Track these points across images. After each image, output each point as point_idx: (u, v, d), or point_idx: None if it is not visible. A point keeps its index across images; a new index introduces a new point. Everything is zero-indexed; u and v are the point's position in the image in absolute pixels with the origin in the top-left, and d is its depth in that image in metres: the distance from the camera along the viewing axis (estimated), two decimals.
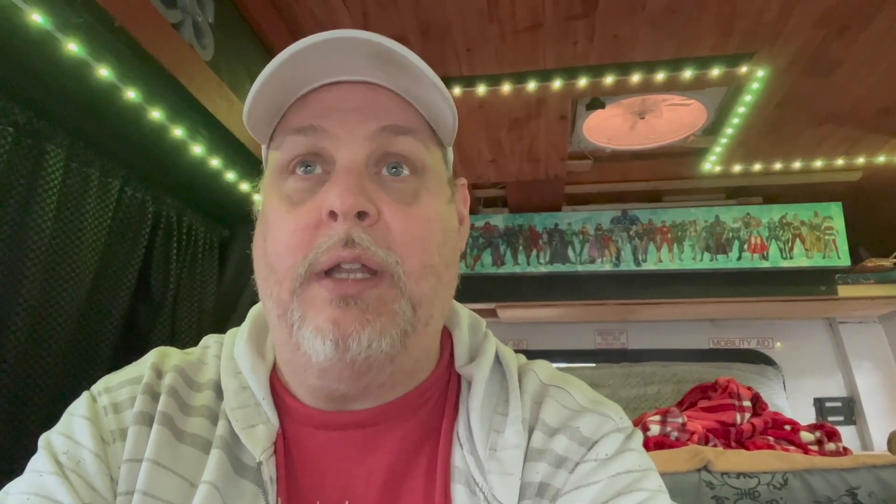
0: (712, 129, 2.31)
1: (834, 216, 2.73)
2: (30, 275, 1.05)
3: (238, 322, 0.64)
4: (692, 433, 2.06)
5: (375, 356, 0.49)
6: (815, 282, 2.67)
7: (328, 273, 0.50)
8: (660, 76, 1.80)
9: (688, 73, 1.79)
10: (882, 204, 2.76)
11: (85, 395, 0.57)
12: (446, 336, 0.63)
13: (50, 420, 0.56)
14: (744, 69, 1.78)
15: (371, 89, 0.53)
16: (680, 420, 2.10)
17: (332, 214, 0.49)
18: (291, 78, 0.52)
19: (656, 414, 2.16)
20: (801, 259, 2.68)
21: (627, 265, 2.76)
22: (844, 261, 2.66)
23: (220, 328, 0.65)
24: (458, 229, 0.61)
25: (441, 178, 0.57)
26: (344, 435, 0.55)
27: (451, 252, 0.56)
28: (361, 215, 0.49)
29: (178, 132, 1.25)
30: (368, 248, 0.49)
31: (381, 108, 0.53)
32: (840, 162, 2.46)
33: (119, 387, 0.57)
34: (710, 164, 2.52)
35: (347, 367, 0.50)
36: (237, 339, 0.61)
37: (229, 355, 0.60)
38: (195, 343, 0.65)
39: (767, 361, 3.13)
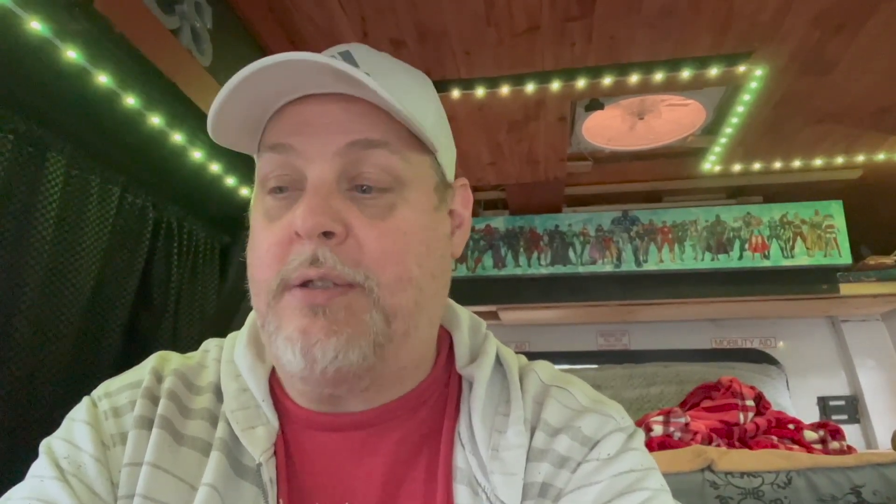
0: (711, 129, 2.32)
1: (834, 214, 2.72)
2: (31, 282, 1.06)
3: (239, 328, 0.64)
4: (695, 433, 2.06)
5: (346, 368, 0.50)
6: (817, 280, 2.66)
7: (300, 286, 0.51)
8: (658, 76, 1.81)
9: (686, 74, 1.79)
10: (883, 201, 2.75)
11: (85, 400, 0.58)
12: (445, 337, 0.63)
13: (52, 426, 0.57)
14: (742, 68, 1.78)
15: (345, 100, 0.52)
16: (683, 420, 2.09)
17: (298, 234, 0.50)
18: (260, 94, 0.52)
19: (659, 414, 2.16)
20: (802, 258, 2.68)
21: (628, 266, 2.76)
22: (846, 259, 2.66)
23: (222, 334, 0.66)
24: (452, 234, 0.60)
25: (425, 186, 0.56)
26: (343, 436, 0.55)
27: (438, 261, 0.56)
28: (327, 234, 0.50)
29: (177, 138, 1.25)
30: (334, 268, 0.49)
31: (354, 122, 0.52)
32: (840, 160, 2.46)
33: (119, 391, 0.57)
34: (710, 164, 2.52)
35: (320, 377, 0.50)
36: (237, 343, 0.62)
37: (229, 358, 0.61)
38: (196, 349, 0.65)
39: (770, 361, 3.12)
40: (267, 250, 0.52)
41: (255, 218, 0.55)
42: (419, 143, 0.56)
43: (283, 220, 0.52)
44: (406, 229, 0.53)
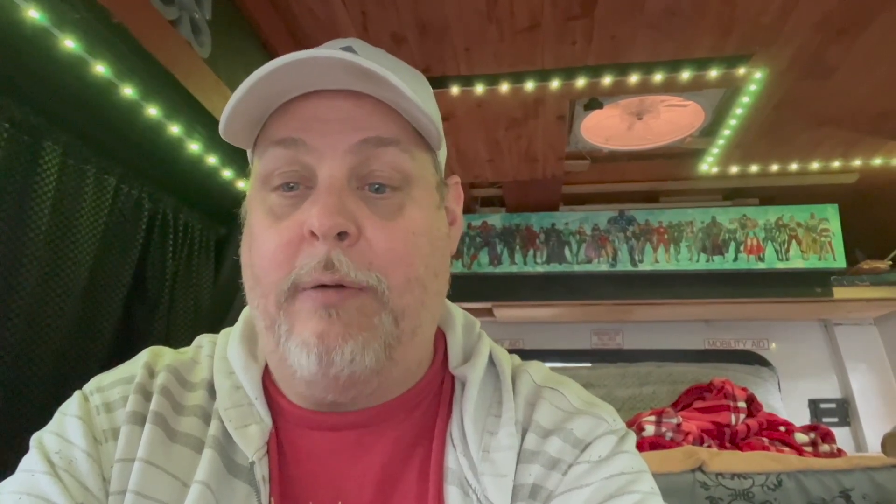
0: (710, 131, 2.32)
1: (830, 218, 2.73)
2: (25, 272, 1.05)
3: (233, 322, 0.64)
4: (687, 434, 2.06)
5: (360, 371, 0.50)
6: (811, 283, 2.67)
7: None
8: (658, 77, 1.80)
9: (686, 75, 1.79)
10: (878, 206, 2.76)
11: (77, 394, 0.57)
12: (440, 337, 0.63)
13: (44, 419, 0.56)
14: (742, 71, 1.78)
15: (355, 97, 0.52)
16: (675, 420, 2.10)
17: (313, 234, 0.49)
18: (270, 90, 0.51)
19: (651, 414, 2.16)
20: (796, 261, 2.68)
21: (624, 265, 2.76)
22: (840, 263, 2.66)
23: (216, 328, 0.65)
24: (449, 232, 0.60)
25: (429, 184, 0.56)
26: (337, 435, 0.55)
27: (440, 260, 0.56)
28: (342, 235, 0.49)
29: (174, 129, 1.25)
30: (348, 273, 0.49)
31: (364, 119, 0.52)
32: (837, 164, 2.46)
33: (111, 386, 0.57)
34: (707, 166, 2.53)
35: (332, 382, 0.50)
36: (230, 340, 0.61)
37: (222, 355, 0.60)
38: (190, 342, 0.65)
39: (762, 362, 3.13)
40: (275, 251, 0.51)
41: (256, 216, 0.54)
42: (423, 142, 0.56)
43: (292, 219, 0.51)
44: (414, 229, 0.53)
